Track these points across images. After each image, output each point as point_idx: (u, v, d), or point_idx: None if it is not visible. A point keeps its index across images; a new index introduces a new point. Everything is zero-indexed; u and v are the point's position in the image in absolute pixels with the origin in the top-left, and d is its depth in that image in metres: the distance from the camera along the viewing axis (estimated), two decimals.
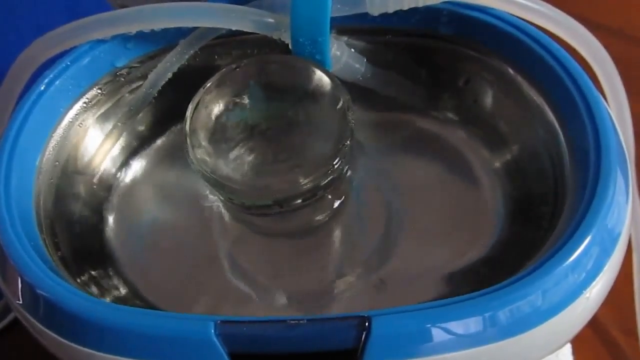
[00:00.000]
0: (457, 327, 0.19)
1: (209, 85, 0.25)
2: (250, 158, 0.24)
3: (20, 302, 0.22)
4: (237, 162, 0.24)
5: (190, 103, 0.25)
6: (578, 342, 0.31)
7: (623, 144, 0.24)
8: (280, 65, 0.26)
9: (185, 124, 0.24)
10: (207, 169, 0.24)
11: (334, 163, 0.23)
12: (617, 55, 0.27)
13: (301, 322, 0.19)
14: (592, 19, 0.27)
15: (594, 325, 0.33)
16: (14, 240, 0.22)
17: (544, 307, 0.20)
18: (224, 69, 0.26)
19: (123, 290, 0.26)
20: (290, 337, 0.19)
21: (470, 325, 0.19)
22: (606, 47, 0.27)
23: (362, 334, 0.19)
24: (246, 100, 0.25)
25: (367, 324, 0.19)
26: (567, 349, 0.31)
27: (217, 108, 0.25)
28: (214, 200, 0.28)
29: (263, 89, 0.26)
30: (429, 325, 0.19)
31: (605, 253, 0.21)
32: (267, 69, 0.26)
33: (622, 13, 0.46)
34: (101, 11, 0.27)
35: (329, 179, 0.24)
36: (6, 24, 0.45)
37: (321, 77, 0.25)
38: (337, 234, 0.27)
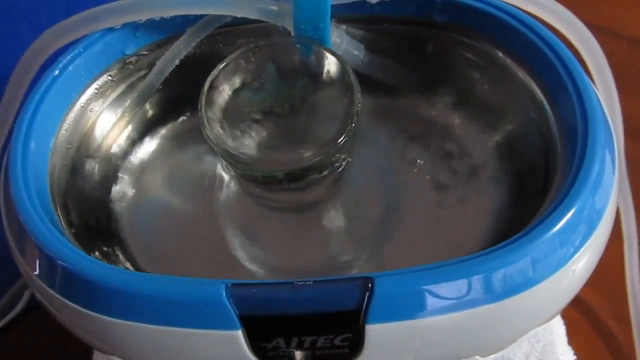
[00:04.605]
0: (454, 287, 0.20)
1: (227, 62, 0.26)
2: (262, 133, 0.26)
3: (38, 274, 0.23)
4: (250, 136, 0.25)
5: (208, 77, 0.26)
6: (573, 331, 0.32)
7: (611, 124, 0.25)
8: (295, 48, 0.27)
9: (202, 98, 0.25)
10: (219, 141, 0.25)
11: (339, 141, 0.24)
12: (605, 53, 0.28)
13: (307, 283, 0.20)
14: (582, 17, 0.28)
15: (588, 314, 0.34)
16: (33, 215, 0.23)
17: (531, 272, 0.21)
18: (242, 48, 0.27)
19: (131, 269, 0.27)
20: (297, 299, 0.20)
21: (464, 286, 0.20)
22: None
23: (366, 294, 0.20)
24: (261, 80, 0.27)
25: (370, 284, 0.20)
26: (562, 337, 0.32)
27: (234, 85, 0.26)
28: (222, 182, 0.29)
29: (278, 69, 0.27)
30: (429, 286, 0.20)
31: (591, 225, 0.22)
32: (283, 50, 0.27)
33: (611, 11, 0.47)
34: None
35: (334, 155, 0.25)
36: (6, 23, 0.45)
37: (332, 62, 0.26)
38: (341, 209, 0.28)
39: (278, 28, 0.27)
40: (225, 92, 0.26)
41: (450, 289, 0.20)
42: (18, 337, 0.35)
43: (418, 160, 0.29)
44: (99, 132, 0.29)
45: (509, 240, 0.21)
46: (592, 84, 0.25)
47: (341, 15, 0.28)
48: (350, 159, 0.27)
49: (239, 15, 0.27)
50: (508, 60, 0.27)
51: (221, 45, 0.30)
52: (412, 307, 0.20)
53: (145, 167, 0.30)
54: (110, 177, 0.29)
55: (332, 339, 0.21)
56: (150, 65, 0.29)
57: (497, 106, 0.28)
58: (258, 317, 0.20)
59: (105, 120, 0.29)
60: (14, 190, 0.24)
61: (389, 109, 0.30)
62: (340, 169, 0.27)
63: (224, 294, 0.20)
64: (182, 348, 0.21)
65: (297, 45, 0.27)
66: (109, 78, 0.29)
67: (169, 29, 0.29)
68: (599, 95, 0.25)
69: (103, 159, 0.29)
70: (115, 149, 0.30)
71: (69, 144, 0.28)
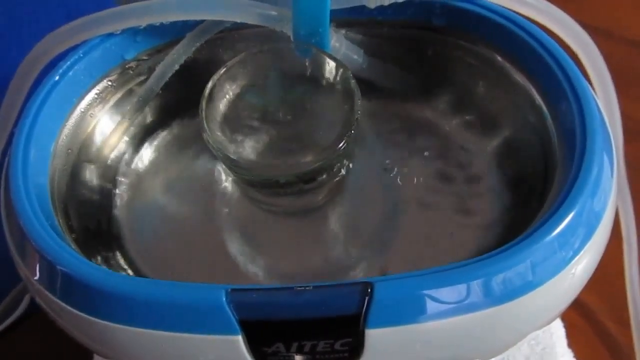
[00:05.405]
0: (454, 291, 0.20)
1: (228, 67, 0.26)
2: (262, 138, 0.26)
3: (38, 278, 0.23)
4: (250, 141, 0.25)
5: (209, 82, 0.26)
6: (572, 333, 0.32)
7: (609, 127, 0.25)
8: (296, 53, 0.27)
9: (202, 102, 0.26)
10: (220, 146, 0.25)
11: (340, 147, 0.25)
12: (603, 55, 0.28)
13: (307, 288, 0.20)
14: (579, 19, 0.28)
15: (588, 316, 0.34)
16: (33, 219, 0.23)
17: (530, 276, 0.21)
18: (243, 53, 0.27)
19: (131, 274, 0.27)
20: (297, 303, 0.20)
21: (464, 290, 0.20)
22: None
23: (365, 299, 0.20)
24: (262, 85, 0.27)
25: (369, 289, 0.20)
26: (562, 339, 0.32)
27: (234, 90, 0.26)
28: (221, 187, 0.29)
29: (280, 74, 0.27)
30: (428, 290, 0.20)
31: (590, 228, 0.22)
32: (284, 55, 0.27)
33: (608, 13, 0.47)
34: None
35: (334, 160, 0.25)
36: (6, 28, 0.46)
37: (333, 67, 0.26)
38: (341, 214, 0.28)
39: (277, 33, 0.27)
40: (226, 97, 0.26)
41: (450, 293, 0.20)
42: (18, 341, 0.35)
43: (418, 164, 0.29)
44: (99, 136, 0.29)
45: (508, 244, 0.21)
46: (590, 87, 0.25)
47: (340, 20, 0.29)
48: (350, 164, 0.27)
49: (238, 21, 0.27)
50: (507, 64, 0.27)
51: (220, 50, 0.30)
52: (412, 312, 0.20)
53: (145, 171, 0.30)
54: (110, 181, 0.29)
55: (332, 344, 0.21)
56: (150, 70, 0.29)
57: (496, 110, 0.29)
58: (258, 322, 0.20)
59: (105, 125, 0.29)
60: (14, 194, 0.24)
61: (389, 113, 0.31)
62: (341, 173, 0.27)
63: (224, 299, 0.20)
64: (181, 353, 0.21)
65: (297, 51, 0.27)
66: (109, 83, 0.29)
67: (168, 34, 0.29)
68: (597, 99, 0.25)
69: (103, 163, 0.29)
70: (115, 153, 0.30)
71: (69, 148, 0.28)
